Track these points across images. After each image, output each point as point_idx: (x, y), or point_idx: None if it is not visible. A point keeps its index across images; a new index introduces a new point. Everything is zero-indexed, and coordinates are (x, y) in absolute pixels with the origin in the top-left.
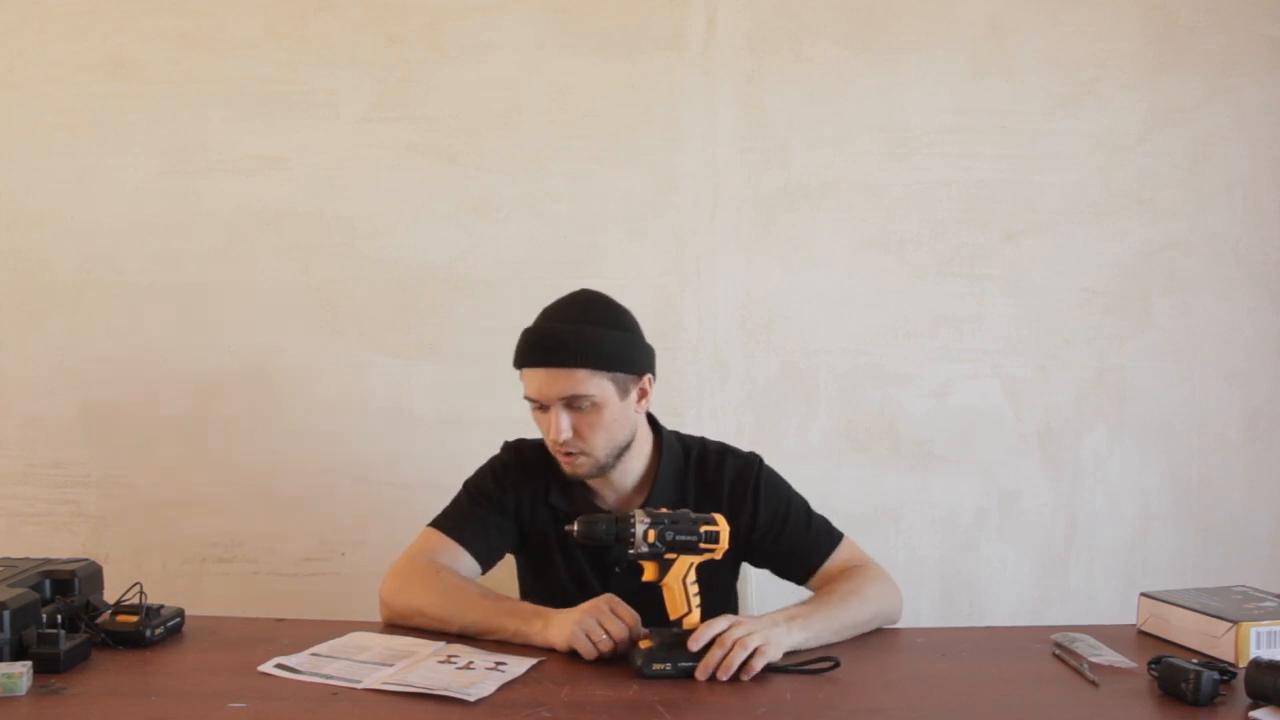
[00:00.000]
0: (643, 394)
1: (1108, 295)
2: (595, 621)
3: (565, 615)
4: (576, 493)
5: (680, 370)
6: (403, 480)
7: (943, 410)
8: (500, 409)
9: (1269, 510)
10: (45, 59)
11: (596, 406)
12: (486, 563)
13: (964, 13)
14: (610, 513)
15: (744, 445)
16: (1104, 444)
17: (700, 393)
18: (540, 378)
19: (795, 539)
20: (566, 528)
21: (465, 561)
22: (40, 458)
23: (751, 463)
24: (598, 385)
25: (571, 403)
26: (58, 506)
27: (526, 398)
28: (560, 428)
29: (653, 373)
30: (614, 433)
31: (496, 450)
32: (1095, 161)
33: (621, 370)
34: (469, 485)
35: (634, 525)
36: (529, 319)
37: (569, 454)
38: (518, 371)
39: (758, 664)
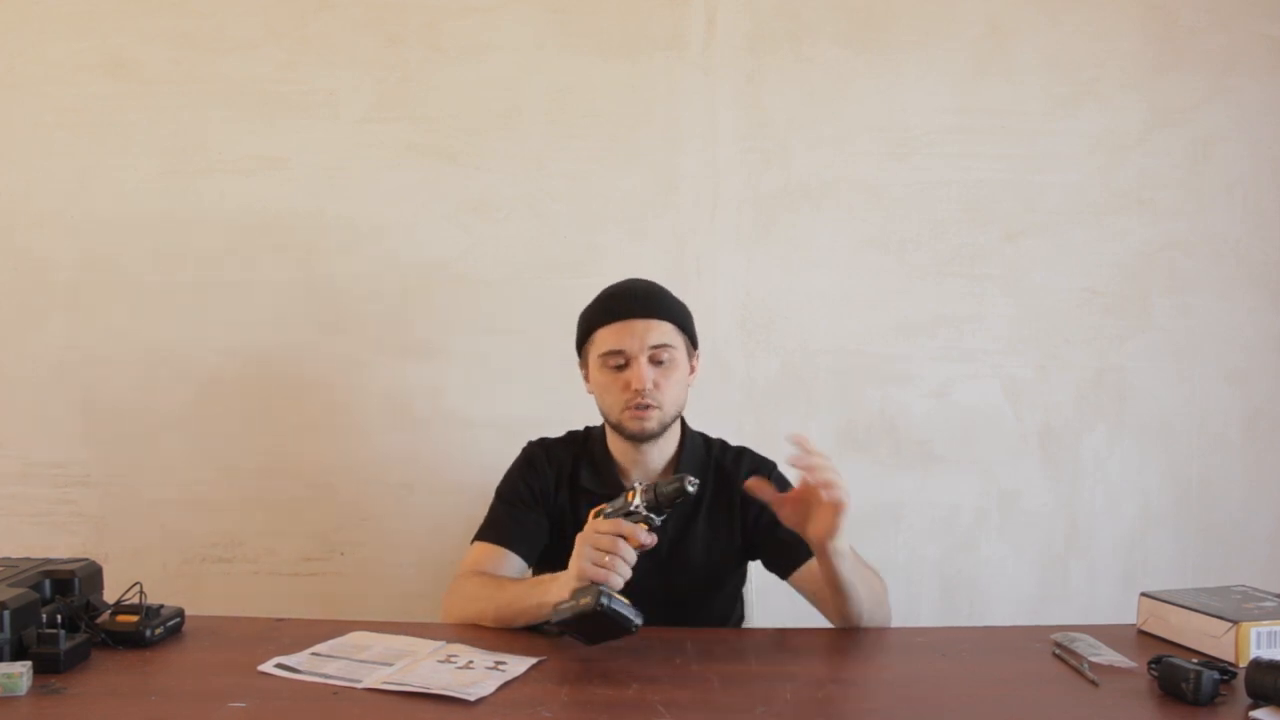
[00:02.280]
0: (692, 369)
1: (1108, 295)
2: (593, 549)
3: (565, 572)
4: (606, 474)
5: (697, 371)
6: (403, 480)
7: (943, 410)
8: (499, 409)
9: (1269, 510)
10: (45, 59)
11: (674, 362)
12: (530, 556)
13: (964, 13)
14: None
15: (744, 445)
16: (1104, 444)
17: (700, 393)
18: (633, 328)
19: (791, 531)
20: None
21: (512, 562)
22: (40, 458)
23: (768, 462)
24: (678, 340)
25: (656, 354)
26: (58, 506)
27: (607, 354)
28: (645, 376)
29: (698, 356)
30: (681, 392)
31: (494, 450)
32: (1095, 161)
33: (690, 336)
34: (500, 491)
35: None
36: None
37: (645, 407)
38: (587, 340)
39: (841, 493)
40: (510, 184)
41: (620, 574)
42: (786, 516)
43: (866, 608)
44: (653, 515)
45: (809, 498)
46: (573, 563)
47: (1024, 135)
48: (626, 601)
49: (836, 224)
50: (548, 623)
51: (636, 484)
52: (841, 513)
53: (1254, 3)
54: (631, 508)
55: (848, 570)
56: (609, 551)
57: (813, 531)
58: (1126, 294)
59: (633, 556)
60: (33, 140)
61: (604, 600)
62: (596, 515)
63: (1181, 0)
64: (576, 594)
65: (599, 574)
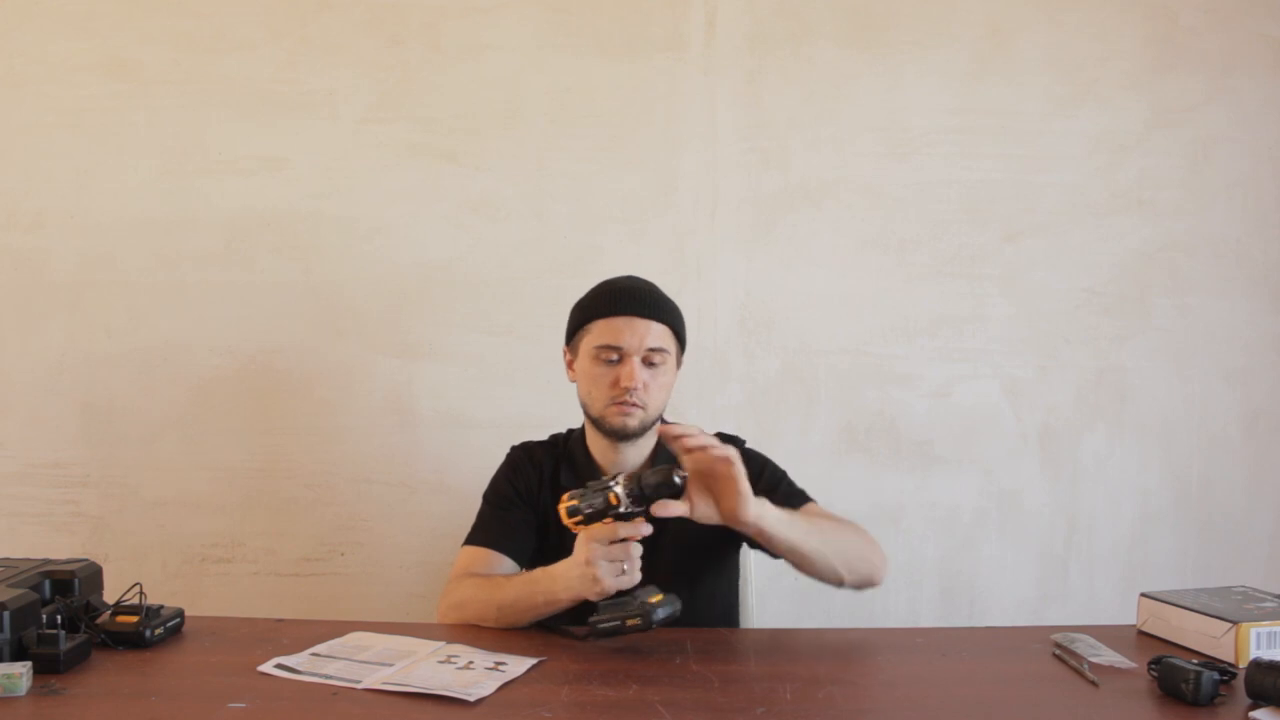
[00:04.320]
0: (677, 365)
1: (1107, 295)
2: (607, 563)
3: (568, 571)
4: (584, 473)
5: (680, 370)
6: (403, 480)
7: (943, 410)
8: (499, 409)
9: (1269, 510)
10: (45, 59)
11: (665, 366)
12: (521, 558)
13: (964, 13)
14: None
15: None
16: (1104, 444)
17: (700, 393)
18: (632, 326)
19: (764, 494)
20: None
21: (503, 563)
22: (40, 458)
23: (735, 439)
24: (671, 345)
25: (650, 357)
26: (58, 506)
27: (602, 347)
28: (637, 376)
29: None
30: (666, 395)
31: (494, 450)
32: (1095, 161)
33: (682, 341)
34: (487, 495)
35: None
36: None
37: (632, 404)
38: (580, 330)
39: (724, 452)
40: (510, 184)
41: (637, 573)
42: (702, 514)
43: (840, 561)
44: (640, 510)
45: (707, 476)
46: (583, 578)
47: (1024, 135)
48: (659, 595)
49: (836, 224)
50: (590, 630)
51: (614, 484)
52: (736, 474)
53: (1254, 3)
54: (622, 510)
55: (789, 533)
56: (623, 559)
57: (725, 509)
58: (1126, 294)
59: (640, 551)
60: (33, 140)
61: (654, 618)
62: (570, 507)
63: (1181, 0)
64: (612, 610)
65: (623, 583)
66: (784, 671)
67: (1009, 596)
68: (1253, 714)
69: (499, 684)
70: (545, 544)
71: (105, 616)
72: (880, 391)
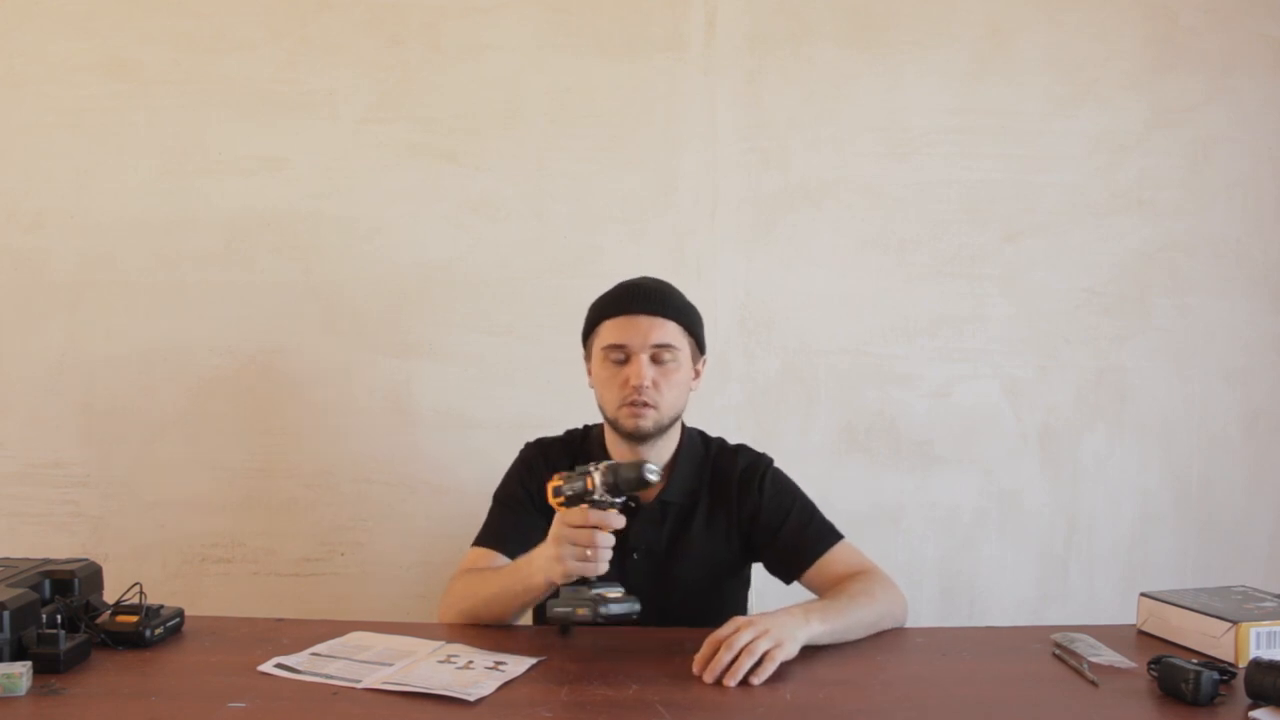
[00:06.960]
0: (696, 374)
1: (1107, 295)
2: (571, 545)
3: (541, 553)
4: None
5: (702, 376)
6: (402, 480)
7: (943, 410)
8: (499, 409)
9: (1269, 510)
10: (45, 59)
11: (676, 363)
12: None
13: (964, 13)
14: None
15: (742, 443)
16: (1104, 444)
17: (700, 393)
18: (637, 324)
19: (795, 532)
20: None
21: (505, 565)
22: (40, 458)
23: (763, 458)
24: (683, 342)
25: (658, 353)
26: (58, 506)
27: (608, 347)
28: (644, 373)
29: (704, 361)
30: (679, 394)
31: (494, 451)
32: (1095, 161)
33: (697, 339)
34: (498, 495)
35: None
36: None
37: (642, 405)
38: (592, 332)
39: (768, 669)
40: (510, 184)
41: (603, 562)
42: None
43: (871, 632)
44: (615, 500)
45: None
46: (549, 559)
47: (1024, 135)
48: (619, 593)
49: (836, 224)
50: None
51: (593, 468)
52: (770, 661)
53: (1254, 3)
54: (596, 496)
55: (832, 639)
56: (588, 545)
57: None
58: (1126, 294)
59: (610, 542)
60: (33, 140)
61: (601, 611)
62: (555, 487)
63: (1181, 0)
64: (568, 598)
65: (585, 569)
66: (784, 671)
67: (1009, 596)
68: (1252, 714)
69: (499, 684)
70: None
71: (105, 616)
72: (880, 391)
